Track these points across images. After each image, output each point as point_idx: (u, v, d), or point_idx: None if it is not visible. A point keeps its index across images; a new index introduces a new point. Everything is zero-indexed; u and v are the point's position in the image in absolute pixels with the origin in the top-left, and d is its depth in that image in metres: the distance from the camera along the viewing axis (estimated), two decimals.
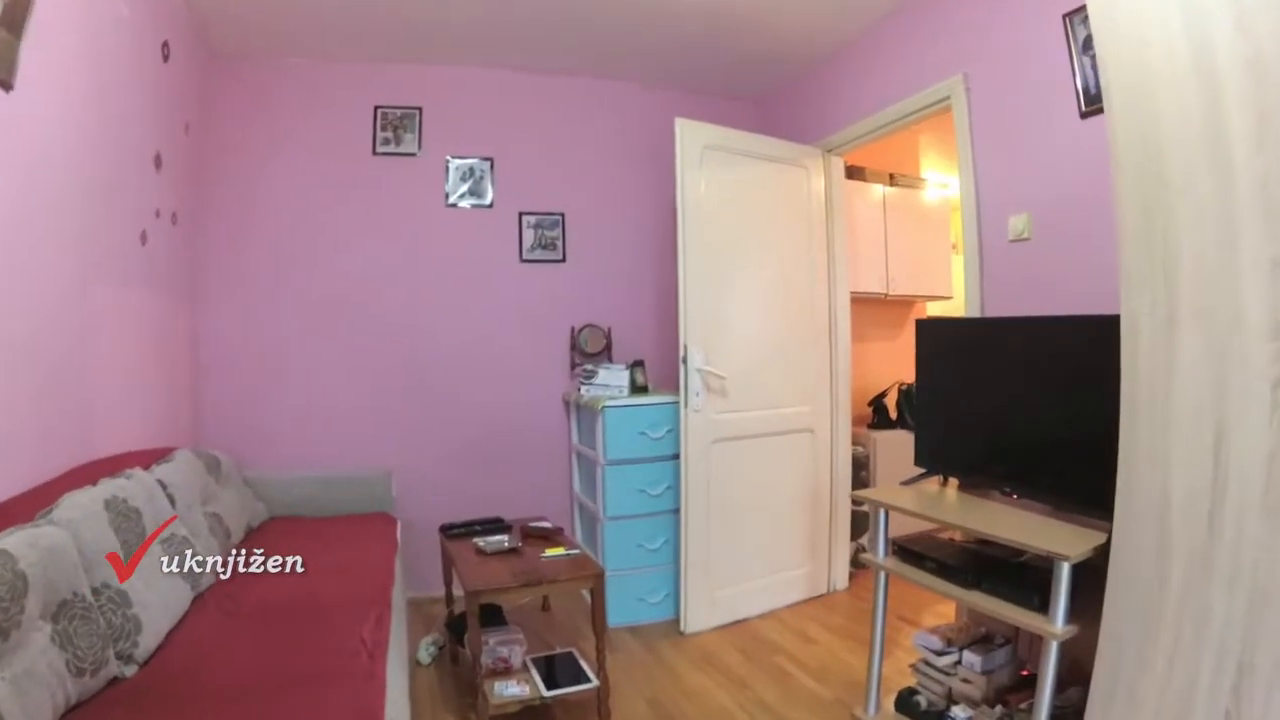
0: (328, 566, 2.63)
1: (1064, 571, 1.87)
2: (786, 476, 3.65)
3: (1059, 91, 2.54)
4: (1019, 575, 2.13)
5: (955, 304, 7.35)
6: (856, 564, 4.12)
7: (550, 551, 2.70)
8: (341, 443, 3.75)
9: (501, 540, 2.83)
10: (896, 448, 4.47)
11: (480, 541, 2.83)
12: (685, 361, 3.21)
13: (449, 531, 3.08)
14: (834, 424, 3.82)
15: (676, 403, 3.38)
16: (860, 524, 4.15)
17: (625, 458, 3.40)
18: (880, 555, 2.59)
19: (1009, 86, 2.80)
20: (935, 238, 5.07)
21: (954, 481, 2.76)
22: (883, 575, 2.59)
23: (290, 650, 1.94)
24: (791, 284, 3.67)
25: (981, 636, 2.58)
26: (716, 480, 3.36)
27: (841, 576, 3.93)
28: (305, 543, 2.95)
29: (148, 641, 1.89)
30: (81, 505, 1.92)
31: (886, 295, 4.68)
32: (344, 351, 3.77)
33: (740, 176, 3.50)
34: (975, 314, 2.94)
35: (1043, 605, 1.94)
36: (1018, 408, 2.42)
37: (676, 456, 3.41)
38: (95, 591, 1.80)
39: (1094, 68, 2.32)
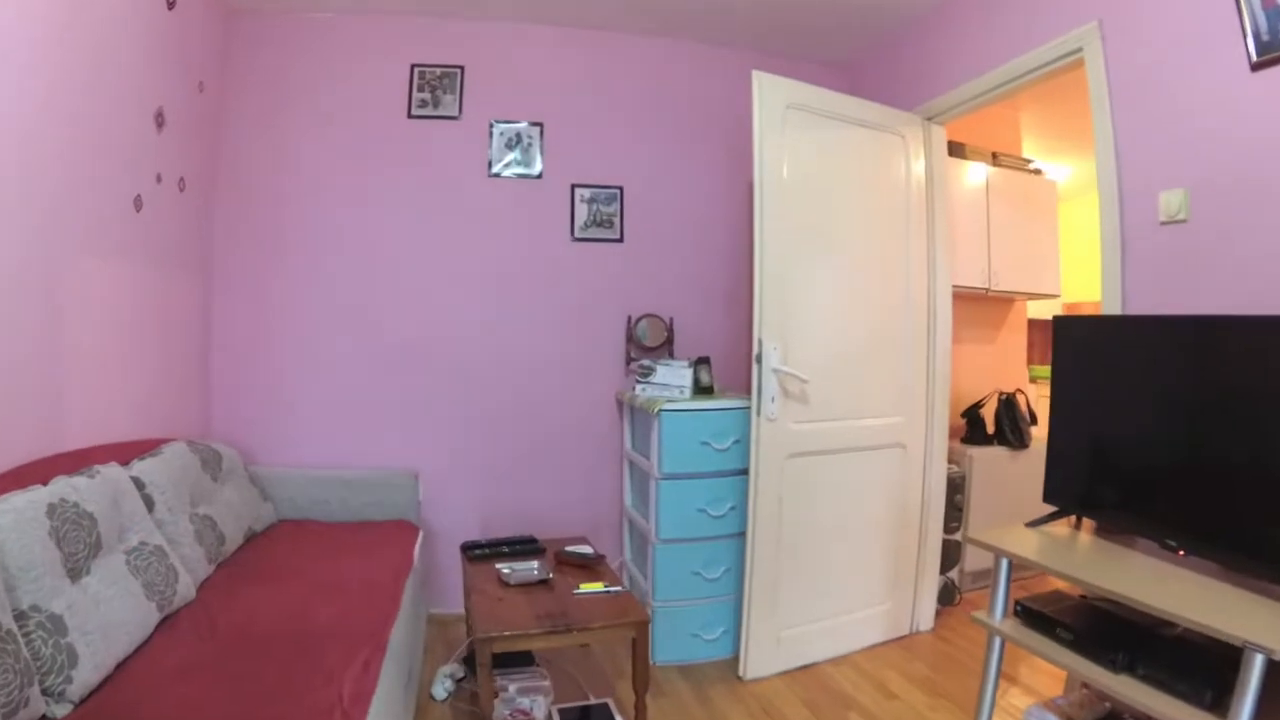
0: (329, 582, 2.26)
1: (1257, 665, 1.35)
2: (871, 498, 3.12)
3: (1221, 38, 2.02)
4: (1179, 657, 1.62)
5: (1056, 305, 6.65)
6: (945, 600, 3.57)
7: (586, 587, 2.25)
8: (364, 440, 3.35)
9: (531, 568, 2.39)
10: (996, 467, 3.91)
11: (505, 568, 2.39)
12: (759, 360, 2.71)
13: (471, 552, 2.65)
14: (929, 438, 3.27)
15: (747, 408, 2.89)
16: (950, 554, 3.60)
17: (684, 471, 2.91)
18: (998, 617, 2.06)
19: (1156, 33, 2.27)
20: (1043, 227, 4.44)
21: (1087, 522, 2.22)
22: (997, 643, 2.06)
23: (255, 695, 1.58)
24: (885, 273, 3.13)
25: (1107, 715, 2.06)
26: (790, 502, 2.85)
27: (926, 616, 3.38)
28: (310, 553, 2.59)
29: (87, 676, 1.55)
30: (15, 510, 1.57)
31: (988, 291, 4.08)
32: (371, 337, 3.37)
33: (828, 143, 2.97)
34: (1114, 311, 2.39)
35: (1216, 703, 1.47)
36: (1188, 434, 1.86)
37: (743, 472, 2.92)
38: (21, 616, 1.47)
39: (1269, 7, 1.86)
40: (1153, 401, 1.96)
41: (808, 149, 2.89)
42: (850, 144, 3.04)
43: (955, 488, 3.58)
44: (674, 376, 3.11)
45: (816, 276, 2.90)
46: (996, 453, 3.95)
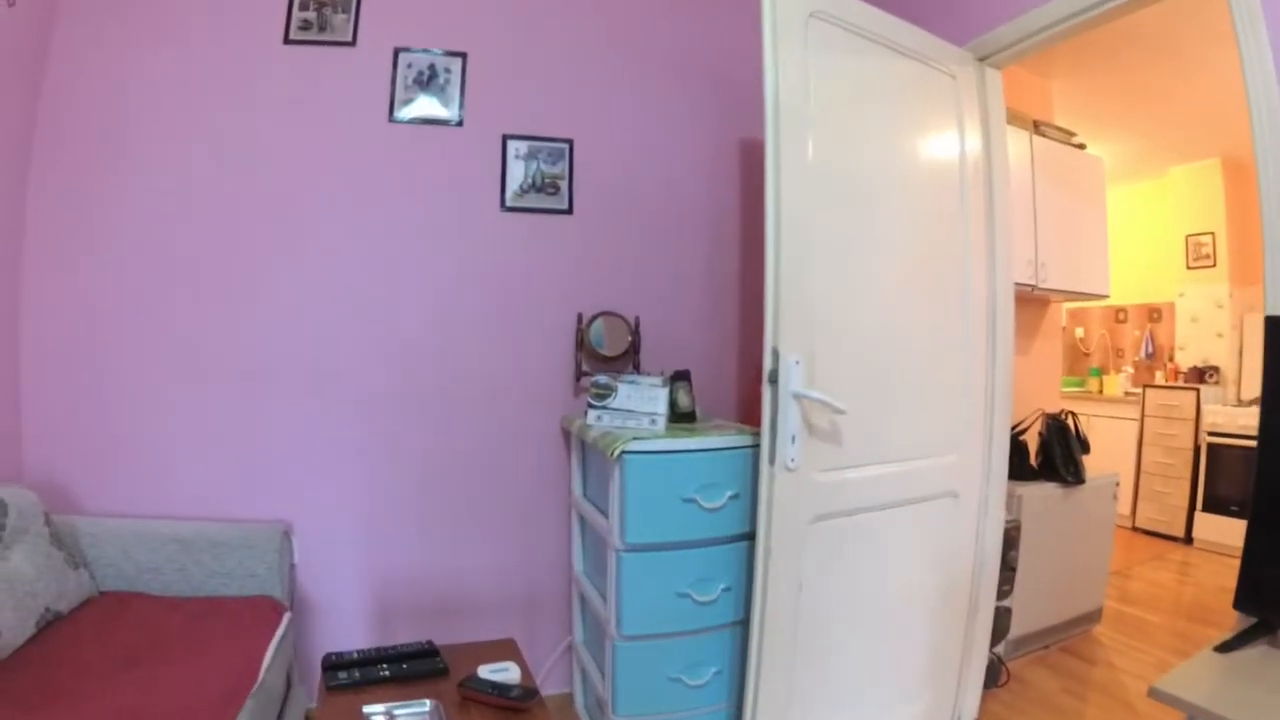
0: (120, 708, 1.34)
1: None
2: (915, 567, 2.25)
3: None
4: None
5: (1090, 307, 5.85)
6: (989, 682, 2.73)
7: None
8: (223, 481, 2.37)
9: (418, 713, 1.46)
10: (1047, 509, 3.11)
11: (377, 714, 1.45)
12: (773, 381, 1.80)
13: (333, 677, 1.71)
14: (988, 482, 2.41)
15: (749, 448, 2.00)
16: (1000, 625, 2.78)
17: (657, 541, 1.99)
18: None
19: None
20: (1092, 214, 3.66)
21: None
22: None
23: None
24: (939, 261, 2.26)
25: None
26: (811, 578, 1.96)
27: (971, 706, 2.53)
28: (118, 655, 1.72)
29: None
30: None
31: (1034, 289, 3.27)
32: (234, 337, 2.39)
33: (864, 75, 2.10)
34: None
35: None
36: None
37: (744, 537, 2.03)
38: None
39: None
40: None
41: (837, 80, 2.00)
42: (892, 80, 2.18)
43: (1009, 541, 2.74)
44: (642, 399, 2.20)
45: (851, 262, 2.01)
46: (1047, 490, 3.14)
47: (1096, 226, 3.65)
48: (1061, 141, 3.57)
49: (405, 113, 2.55)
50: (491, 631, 2.55)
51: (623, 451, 1.93)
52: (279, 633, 2.01)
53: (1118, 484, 3.48)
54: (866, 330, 2.02)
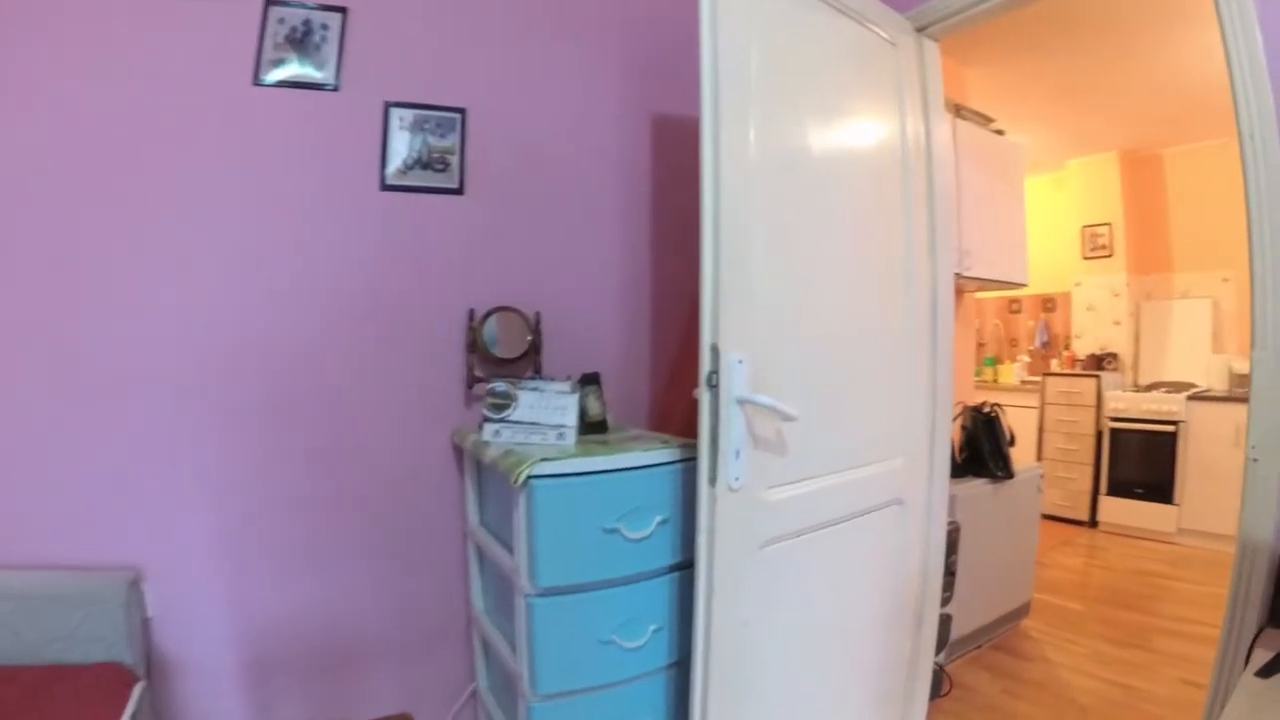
0: None
1: None
2: (863, 582, 2.02)
3: None
4: None
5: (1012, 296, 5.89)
6: (932, 693, 2.56)
7: None
8: (52, 515, 1.89)
9: None
10: (980, 508, 2.98)
11: None
12: (713, 385, 1.51)
13: None
14: (931, 484, 2.21)
15: (676, 462, 1.71)
16: (942, 634, 2.63)
17: (574, 582, 1.65)
18: None
19: None
20: (1012, 202, 3.57)
21: None
22: None
23: None
24: (884, 247, 2.03)
25: None
26: (759, 610, 1.69)
27: None
28: None
29: None
30: None
31: (959, 277, 3.13)
32: (63, 352, 1.91)
33: (810, 35, 1.82)
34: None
35: None
36: None
37: (677, 568, 1.75)
38: None
39: None
40: None
41: (778, 42, 1.73)
42: (835, 44, 1.92)
43: (950, 545, 2.57)
44: (548, 409, 1.87)
45: (799, 245, 1.74)
46: (978, 488, 3.02)
47: (1017, 214, 3.56)
48: (982, 126, 3.45)
49: (273, 75, 2.12)
50: (383, 681, 2.19)
51: (529, 476, 1.60)
52: (130, 710, 1.62)
53: (1042, 475, 3.40)
54: (814, 324, 1.76)
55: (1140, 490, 4.86)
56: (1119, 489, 4.98)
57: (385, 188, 2.20)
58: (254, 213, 2.07)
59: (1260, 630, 1.46)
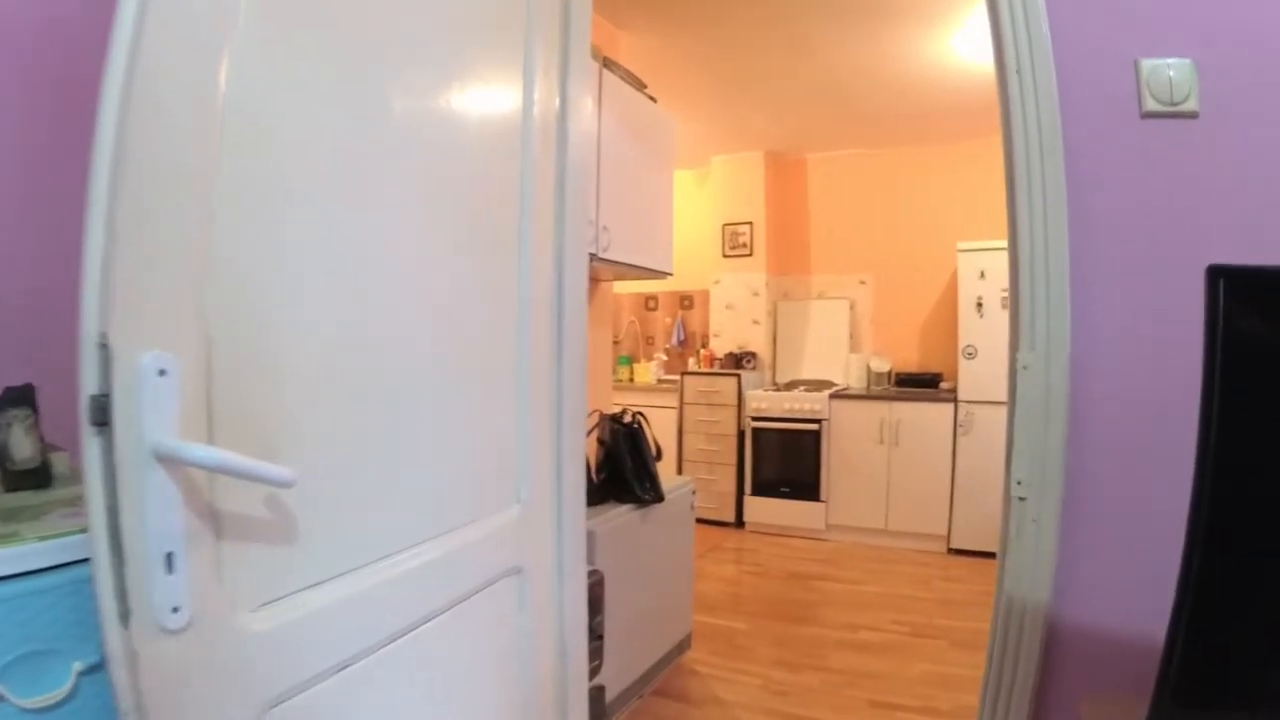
0: None
1: None
2: (475, 693, 1.36)
3: None
4: None
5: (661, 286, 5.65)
6: None
7: None
8: None
9: None
10: (628, 541, 2.52)
11: None
12: (102, 424, 0.71)
13: None
14: (561, 532, 1.64)
15: (52, 570, 0.90)
16: (595, 710, 2.09)
17: None
18: None
19: None
20: (660, 181, 3.20)
21: None
22: None
23: None
24: (480, 217, 1.37)
25: None
26: None
27: None
28: None
29: None
30: None
31: (595, 258, 2.65)
32: None
33: None
34: (1063, 275, 1.13)
35: None
36: None
37: None
38: None
39: None
40: None
41: None
42: None
43: (594, 605, 2.03)
44: None
45: (333, 171, 1.01)
46: (622, 516, 2.55)
47: (664, 195, 3.21)
48: (635, 87, 3.02)
49: None
50: None
51: None
52: None
53: (694, 491, 3.07)
54: (353, 304, 1.05)
55: (786, 489, 4.92)
56: (764, 488, 5.02)
57: None
58: None
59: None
